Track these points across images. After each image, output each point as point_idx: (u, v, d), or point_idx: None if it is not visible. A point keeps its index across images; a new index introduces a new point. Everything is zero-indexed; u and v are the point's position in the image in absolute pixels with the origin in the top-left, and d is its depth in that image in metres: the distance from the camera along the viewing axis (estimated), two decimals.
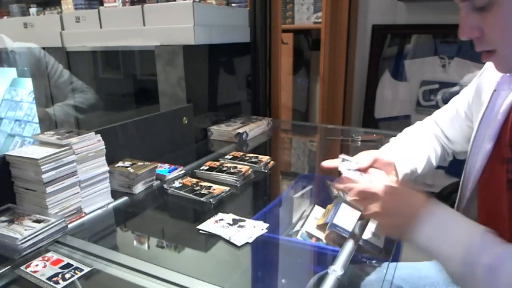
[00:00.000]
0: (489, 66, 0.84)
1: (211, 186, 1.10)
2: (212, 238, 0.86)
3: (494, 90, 0.78)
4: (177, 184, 1.12)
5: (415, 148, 0.97)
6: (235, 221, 0.91)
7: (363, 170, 0.89)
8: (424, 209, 0.64)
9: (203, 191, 1.07)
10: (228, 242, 0.83)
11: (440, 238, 0.61)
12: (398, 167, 0.92)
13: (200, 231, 0.88)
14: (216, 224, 0.90)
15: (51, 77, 1.90)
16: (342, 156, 0.91)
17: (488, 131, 0.75)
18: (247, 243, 0.83)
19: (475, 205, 0.79)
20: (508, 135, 0.71)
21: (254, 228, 0.88)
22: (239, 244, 0.82)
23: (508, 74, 0.74)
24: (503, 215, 0.69)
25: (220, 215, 0.94)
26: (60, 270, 0.74)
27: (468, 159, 0.81)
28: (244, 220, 0.92)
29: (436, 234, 0.62)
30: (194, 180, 1.14)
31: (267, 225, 0.89)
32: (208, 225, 0.90)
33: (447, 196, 1.05)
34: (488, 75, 0.82)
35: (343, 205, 1.00)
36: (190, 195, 1.06)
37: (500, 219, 0.70)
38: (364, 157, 0.91)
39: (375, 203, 0.70)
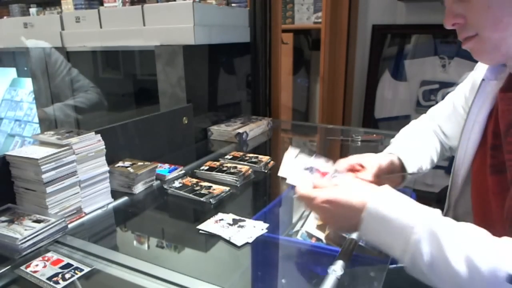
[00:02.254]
0: None
1: (211, 186, 1.10)
2: (212, 238, 0.86)
3: (483, 80, 0.80)
4: (177, 184, 1.12)
5: (418, 147, 0.97)
6: (235, 221, 0.91)
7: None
8: (363, 213, 0.62)
9: (203, 191, 1.07)
10: (228, 242, 0.83)
11: (383, 235, 0.61)
12: (408, 168, 0.91)
13: (200, 231, 0.88)
14: (216, 224, 0.90)
15: (59, 74, 1.90)
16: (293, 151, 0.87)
17: (477, 118, 0.77)
18: (247, 243, 0.83)
19: (468, 192, 0.79)
20: (493, 122, 0.72)
21: (254, 228, 0.88)
22: (239, 244, 0.82)
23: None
24: (490, 200, 0.70)
25: (220, 215, 0.94)
26: (60, 270, 0.74)
27: (458, 148, 0.82)
28: (244, 220, 0.92)
29: (378, 231, 0.61)
30: (194, 180, 1.14)
31: (267, 225, 0.89)
32: (208, 225, 0.90)
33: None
34: (480, 69, 0.84)
35: None
36: (190, 195, 1.05)
37: (488, 205, 0.71)
38: (347, 160, 0.88)
39: (318, 211, 0.70)
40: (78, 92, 1.93)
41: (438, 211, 0.60)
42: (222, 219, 0.92)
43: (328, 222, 0.70)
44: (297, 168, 0.83)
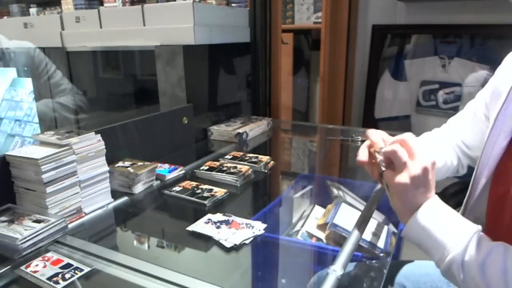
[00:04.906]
0: (503, 65, 0.83)
1: (212, 189, 1.09)
2: (212, 239, 0.85)
3: None
4: (177, 188, 1.11)
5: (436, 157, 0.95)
6: (233, 222, 0.91)
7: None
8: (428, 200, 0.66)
9: (205, 194, 1.07)
10: (227, 242, 0.83)
11: (434, 231, 0.64)
12: None
13: (199, 232, 0.88)
14: (214, 225, 0.90)
15: (42, 76, 1.89)
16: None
17: (504, 127, 0.74)
18: (246, 243, 0.83)
19: (484, 201, 0.78)
20: None
21: (253, 228, 0.88)
22: (237, 244, 0.82)
23: None
24: (506, 211, 0.69)
25: (218, 216, 0.94)
26: (60, 270, 0.74)
27: (482, 155, 0.80)
28: (243, 221, 0.92)
29: (431, 226, 0.65)
30: (194, 184, 1.13)
31: (265, 225, 0.89)
32: (206, 226, 0.90)
33: (450, 197, 1.05)
34: (503, 74, 0.82)
35: (343, 205, 1.00)
36: (192, 198, 1.05)
37: (503, 215, 0.70)
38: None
39: (408, 173, 0.66)
40: (62, 95, 1.91)
41: (478, 228, 0.64)
42: (220, 220, 0.92)
43: (410, 187, 0.67)
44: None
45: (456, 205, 0.88)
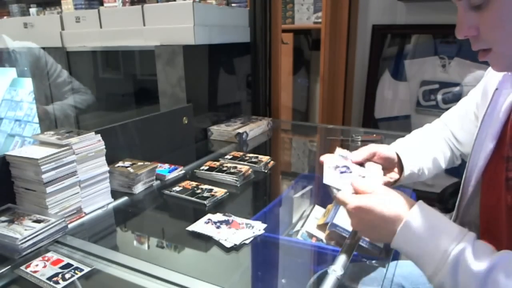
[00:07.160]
0: None
1: (212, 189, 1.09)
2: (212, 239, 0.85)
3: (496, 89, 0.77)
4: (177, 188, 1.11)
5: (423, 149, 0.95)
6: (233, 222, 0.91)
7: (358, 163, 0.87)
8: (398, 227, 0.63)
9: (205, 194, 1.07)
10: (227, 242, 0.83)
11: (415, 253, 0.63)
12: (405, 163, 0.89)
13: (199, 232, 0.88)
14: (212, 226, 0.90)
15: (50, 76, 1.90)
16: (339, 151, 0.88)
17: (490, 130, 0.74)
18: (246, 243, 0.83)
19: (476, 204, 0.78)
20: (509, 134, 0.70)
21: (253, 228, 0.88)
22: (237, 244, 0.82)
23: (510, 74, 0.73)
24: (502, 215, 0.69)
25: (218, 216, 0.94)
26: (60, 270, 0.74)
27: (470, 158, 0.81)
28: (243, 221, 0.92)
29: (411, 248, 0.63)
30: (194, 183, 1.14)
31: (265, 225, 0.89)
32: (206, 226, 0.90)
33: (449, 197, 1.05)
34: (493, 74, 0.82)
35: None
36: (193, 198, 1.05)
37: (499, 219, 0.70)
38: (360, 151, 0.88)
39: (350, 217, 0.70)
40: (70, 94, 1.92)
41: (472, 235, 0.60)
42: (219, 220, 0.92)
43: (358, 229, 0.70)
44: (333, 169, 0.84)
45: (455, 205, 0.88)
